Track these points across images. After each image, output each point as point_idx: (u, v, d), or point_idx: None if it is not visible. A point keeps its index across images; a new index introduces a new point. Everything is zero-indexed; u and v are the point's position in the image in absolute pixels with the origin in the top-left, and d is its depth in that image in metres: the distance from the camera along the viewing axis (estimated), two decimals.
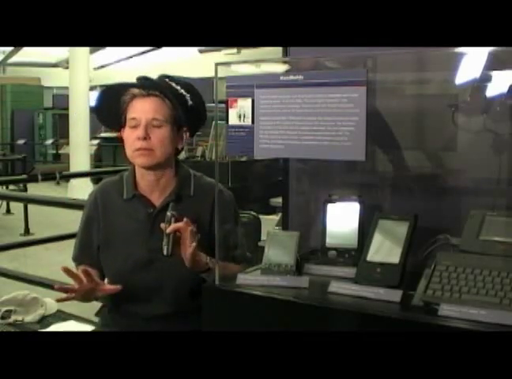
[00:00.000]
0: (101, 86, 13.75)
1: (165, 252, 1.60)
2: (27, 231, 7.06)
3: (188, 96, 1.76)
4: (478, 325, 1.11)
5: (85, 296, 1.68)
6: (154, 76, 1.82)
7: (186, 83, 1.80)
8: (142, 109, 1.72)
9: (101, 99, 1.82)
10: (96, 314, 1.94)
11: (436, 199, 1.58)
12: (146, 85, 1.75)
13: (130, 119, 1.73)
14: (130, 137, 1.73)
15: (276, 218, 4.23)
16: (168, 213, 1.62)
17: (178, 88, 1.76)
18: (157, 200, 1.79)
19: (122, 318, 1.81)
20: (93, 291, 1.66)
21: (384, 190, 1.68)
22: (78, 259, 1.87)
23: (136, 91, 1.74)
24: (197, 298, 1.50)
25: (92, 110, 1.84)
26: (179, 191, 1.79)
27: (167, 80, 1.78)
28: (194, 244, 1.57)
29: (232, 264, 1.66)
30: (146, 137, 1.70)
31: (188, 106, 1.76)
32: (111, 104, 1.77)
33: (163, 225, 1.60)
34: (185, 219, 1.59)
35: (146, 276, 1.75)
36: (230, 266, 1.62)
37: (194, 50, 12.19)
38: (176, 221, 1.59)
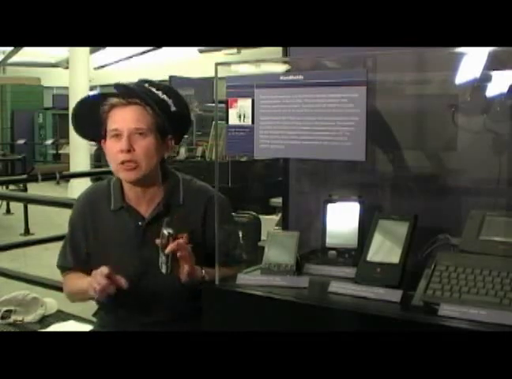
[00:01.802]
0: (101, 86, 13.76)
1: (164, 270, 1.58)
2: (27, 231, 7.06)
3: (170, 101, 1.67)
4: (478, 325, 1.11)
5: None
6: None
7: (168, 87, 1.73)
8: (123, 119, 1.63)
9: (77, 111, 1.74)
10: (94, 315, 1.92)
11: (436, 199, 1.57)
12: (125, 93, 1.66)
13: (111, 130, 1.65)
14: (113, 150, 1.65)
15: (276, 218, 4.23)
16: (165, 232, 1.57)
17: (160, 93, 1.67)
18: (145, 211, 1.73)
19: (120, 323, 1.78)
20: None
21: (384, 190, 1.68)
22: (69, 265, 1.82)
23: (115, 100, 1.65)
24: (195, 304, 1.47)
25: (71, 122, 1.78)
26: (168, 201, 1.73)
27: (146, 85, 1.69)
28: (189, 266, 1.56)
29: (227, 270, 1.55)
30: (130, 149, 1.62)
31: (171, 112, 1.67)
32: (89, 116, 1.69)
33: (158, 241, 1.56)
34: (183, 237, 1.56)
35: (141, 287, 1.69)
36: (226, 272, 1.53)
37: (194, 50, 12.18)
38: (174, 239, 1.56)
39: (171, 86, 1.75)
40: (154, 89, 1.67)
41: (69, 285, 1.84)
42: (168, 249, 1.55)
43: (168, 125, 1.67)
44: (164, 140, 1.70)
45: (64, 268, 1.84)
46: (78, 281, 1.76)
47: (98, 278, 1.57)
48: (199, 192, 1.76)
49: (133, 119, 1.63)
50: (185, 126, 1.80)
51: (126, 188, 1.75)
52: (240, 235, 1.83)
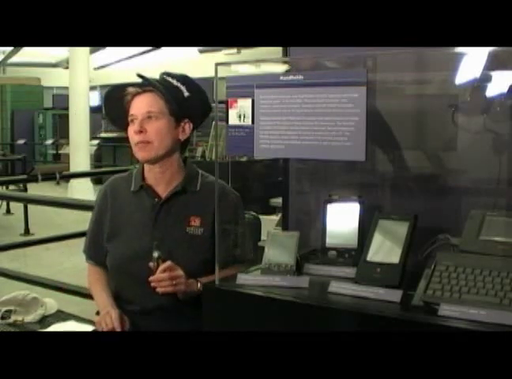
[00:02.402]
0: (101, 86, 13.72)
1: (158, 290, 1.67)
2: (27, 231, 7.06)
3: (183, 87, 1.80)
4: (478, 325, 1.11)
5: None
6: (154, 76, 1.84)
7: (182, 75, 1.84)
8: (138, 105, 1.79)
9: (105, 103, 1.89)
10: (97, 313, 1.93)
11: (436, 199, 1.57)
12: (141, 83, 1.81)
13: (130, 116, 1.81)
14: (130, 133, 1.81)
15: (276, 218, 4.23)
16: (155, 254, 1.65)
17: (174, 81, 1.81)
18: (163, 191, 1.84)
19: (123, 314, 1.81)
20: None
21: (384, 190, 1.68)
22: (87, 252, 1.96)
23: (132, 90, 1.81)
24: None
25: (104, 115, 1.94)
26: (185, 185, 1.84)
27: (164, 76, 1.83)
28: (181, 291, 1.68)
29: (230, 270, 1.57)
30: (142, 131, 1.76)
31: (184, 97, 1.80)
32: (116, 107, 1.84)
33: (151, 264, 1.66)
34: (168, 262, 1.66)
35: (145, 265, 1.72)
36: (228, 273, 1.55)
37: (194, 50, 12.17)
38: (163, 261, 1.66)
39: (187, 75, 1.88)
40: (170, 78, 1.82)
41: (89, 280, 1.98)
42: (154, 279, 1.66)
43: (180, 108, 1.80)
44: (179, 123, 1.82)
45: (87, 255, 1.98)
46: (96, 287, 1.92)
47: (107, 320, 1.72)
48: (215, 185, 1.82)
49: (145, 104, 1.78)
50: (200, 110, 1.88)
51: (146, 171, 1.88)
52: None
